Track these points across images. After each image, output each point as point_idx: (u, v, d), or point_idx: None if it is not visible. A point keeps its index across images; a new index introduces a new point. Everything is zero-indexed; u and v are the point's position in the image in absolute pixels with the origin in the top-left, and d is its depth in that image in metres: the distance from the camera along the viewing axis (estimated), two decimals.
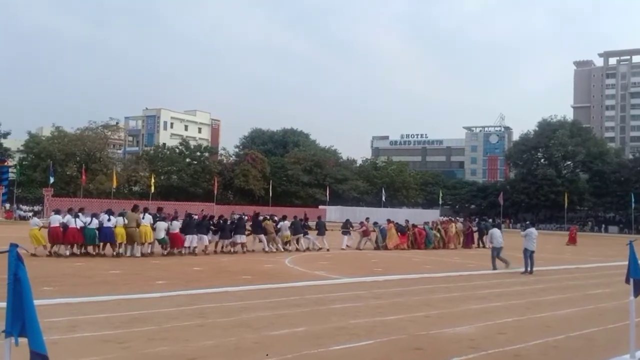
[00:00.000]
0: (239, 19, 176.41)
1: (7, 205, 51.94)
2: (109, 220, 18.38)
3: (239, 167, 73.37)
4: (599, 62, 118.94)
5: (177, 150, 74.86)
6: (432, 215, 57.86)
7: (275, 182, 72.93)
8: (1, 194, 50.41)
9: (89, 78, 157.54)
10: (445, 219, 38.15)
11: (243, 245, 21.57)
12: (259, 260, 18.83)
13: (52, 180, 53.28)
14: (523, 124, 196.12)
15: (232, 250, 21.34)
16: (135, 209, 19.49)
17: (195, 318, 8.85)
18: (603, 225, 74.78)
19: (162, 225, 19.43)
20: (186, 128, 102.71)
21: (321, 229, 25.33)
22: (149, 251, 19.36)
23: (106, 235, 18.40)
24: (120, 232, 18.38)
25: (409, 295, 12.11)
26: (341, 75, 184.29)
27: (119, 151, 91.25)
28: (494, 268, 18.02)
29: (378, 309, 10.24)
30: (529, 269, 17.46)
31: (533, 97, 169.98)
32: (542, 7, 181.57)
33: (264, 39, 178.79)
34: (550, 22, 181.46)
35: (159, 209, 22.29)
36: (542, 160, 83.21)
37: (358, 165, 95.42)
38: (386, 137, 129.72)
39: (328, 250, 23.83)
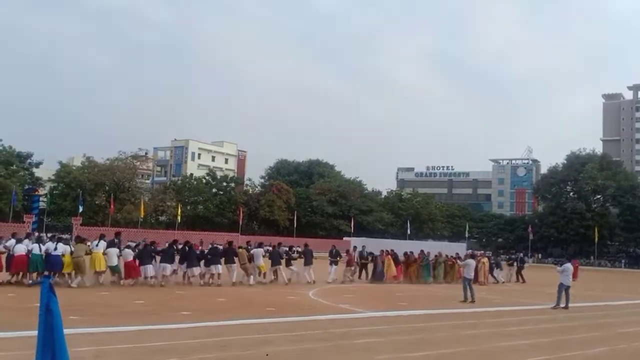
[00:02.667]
0: (266, 53, 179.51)
1: (37, 234, 52.84)
2: (55, 249, 16.99)
3: (264, 198, 73.77)
4: (629, 95, 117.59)
5: (204, 181, 75.68)
6: (458, 248, 57.00)
7: (300, 213, 73.01)
8: (32, 222, 51.39)
9: (119, 109, 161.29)
10: (469, 251, 37.64)
11: (218, 275, 19.73)
12: (282, 292, 18.76)
13: (81, 209, 54.20)
14: (551, 157, 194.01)
15: (201, 282, 19.49)
16: (79, 239, 18.53)
17: (217, 350, 8.85)
18: (623, 261, 72.99)
19: (113, 251, 18.19)
20: (213, 159, 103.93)
21: (308, 258, 22.56)
22: (100, 281, 17.96)
23: (53, 263, 16.75)
24: (67, 261, 17.10)
25: (435, 331, 11.92)
26: (367, 107, 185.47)
27: (147, 181, 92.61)
28: (465, 298, 18.06)
29: (403, 345, 10.10)
30: (562, 304, 17.38)
31: (561, 130, 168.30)
32: (569, 40, 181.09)
33: (290, 72, 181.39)
34: (577, 55, 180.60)
35: (117, 234, 20.56)
36: (571, 193, 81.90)
37: (383, 196, 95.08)
38: (411, 169, 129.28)
39: (314, 282, 22.02)
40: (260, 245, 22.41)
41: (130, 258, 18.46)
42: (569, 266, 18.02)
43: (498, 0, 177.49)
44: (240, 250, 21.12)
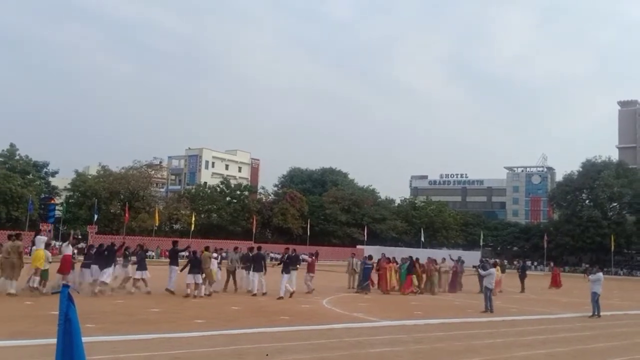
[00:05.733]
0: (280, 61, 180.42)
1: (53, 242, 53.34)
2: None
3: (278, 206, 73.89)
4: None
5: (218, 189, 75.99)
6: (473, 256, 56.71)
7: (313, 221, 73.01)
8: (48, 230, 51.85)
9: (135, 118, 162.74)
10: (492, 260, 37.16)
11: (140, 281, 18.54)
12: (296, 301, 18.73)
13: (96, 217, 54.64)
14: (566, 165, 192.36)
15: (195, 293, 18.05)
16: (18, 237, 17.02)
17: (234, 359, 8.86)
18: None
19: (47, 253, 16.94)
20: (227, 167, 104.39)
21: (256, 263, 19.99)
22: (34, 285, 16.56)
23: None
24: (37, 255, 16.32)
25: (451, 341, 11.83)
26: (380, 114, 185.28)
27: (161, 190, 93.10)
28: (486, 309, 17.82)
29: (419, 354, 10.05)
30: (597, 312, 17.78)
31: (576, 137, 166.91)
32: (584, 47, 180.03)
33: (304, 79, 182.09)
34: (593, 61, 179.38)
35: (38, 232, 18.41)
36: (587, 201, 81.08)
37: (396, 204, 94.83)
38: (425, 177, 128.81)
39: (261, 294, 19.57)
40: (215, 250, 20.44)
41: (69, 252, 17.46)
42: (600, 275, 18.46)
43: (513, 7, 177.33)
44: (205, 253, 19.21)
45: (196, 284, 18.28)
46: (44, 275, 16.83)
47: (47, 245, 17.84)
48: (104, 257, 17.71)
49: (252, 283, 20.00)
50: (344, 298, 20.75)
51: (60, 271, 17.15)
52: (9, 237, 17.03)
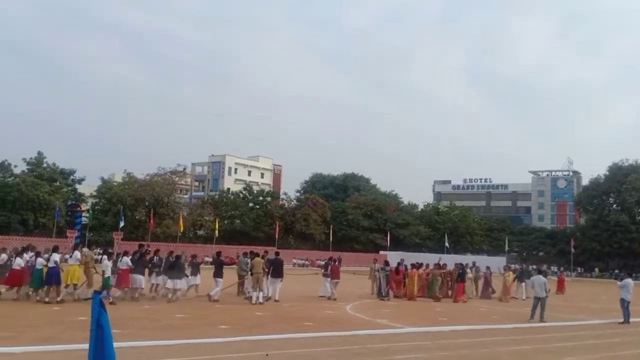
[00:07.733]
0: (299, 68, 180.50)
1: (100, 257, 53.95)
2: (48, 260, 16.07)
3: (300, 212, 74.03)
4: None
5: (241, 195, 76.42)
6: (497, 262, 56.02)
7: (336, 227, 72.97)
8: (74, 237, 52.64)
9: (159, 127, 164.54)
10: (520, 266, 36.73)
11: (177, 290, 18.17)
12: (320, 307, 18.73)
13: (122, 224, 55.33)
14: (592, 169, 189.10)
15: (169, 297, 17.87)
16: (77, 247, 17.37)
17: None
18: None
19: (106, 262, 16.87)
20: (249, 173, 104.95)
21: (276, 269, 19.48)
22: (76, 296, 16.55)
23: (50, 276, 15.78)
24: (71, 270, 16.25)
25: (477, 347, 11.71)
26: (402, 120, 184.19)
27: (185, 196, 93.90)
28: (532, 317, 17.15)
29: None
30: (627, 319, 17.38)
31: (602, 141, 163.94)
32: (608, 51, 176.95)
33: (324, 86, 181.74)
34: (617, 66, 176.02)
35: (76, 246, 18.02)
36: (614, 205, 79.76)
37: (419, 210, 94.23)
38: (448, 182, 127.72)
39: (215, 299, 18.55)
40: (245, 254, 20.24)
41: (126, 265, 17.52)
42: (629, 281, 17.96)
43: (533, 13, 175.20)
44: (256, 259, 18.99)
45: (174, 290, 17.98)
46: (106, 282, 16.50)
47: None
48: (140, 264, 18.10)
49: (270, 289, 19.40)
50: (367, 304, 20.67)
51: (118, 285, 17.49)
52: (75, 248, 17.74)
